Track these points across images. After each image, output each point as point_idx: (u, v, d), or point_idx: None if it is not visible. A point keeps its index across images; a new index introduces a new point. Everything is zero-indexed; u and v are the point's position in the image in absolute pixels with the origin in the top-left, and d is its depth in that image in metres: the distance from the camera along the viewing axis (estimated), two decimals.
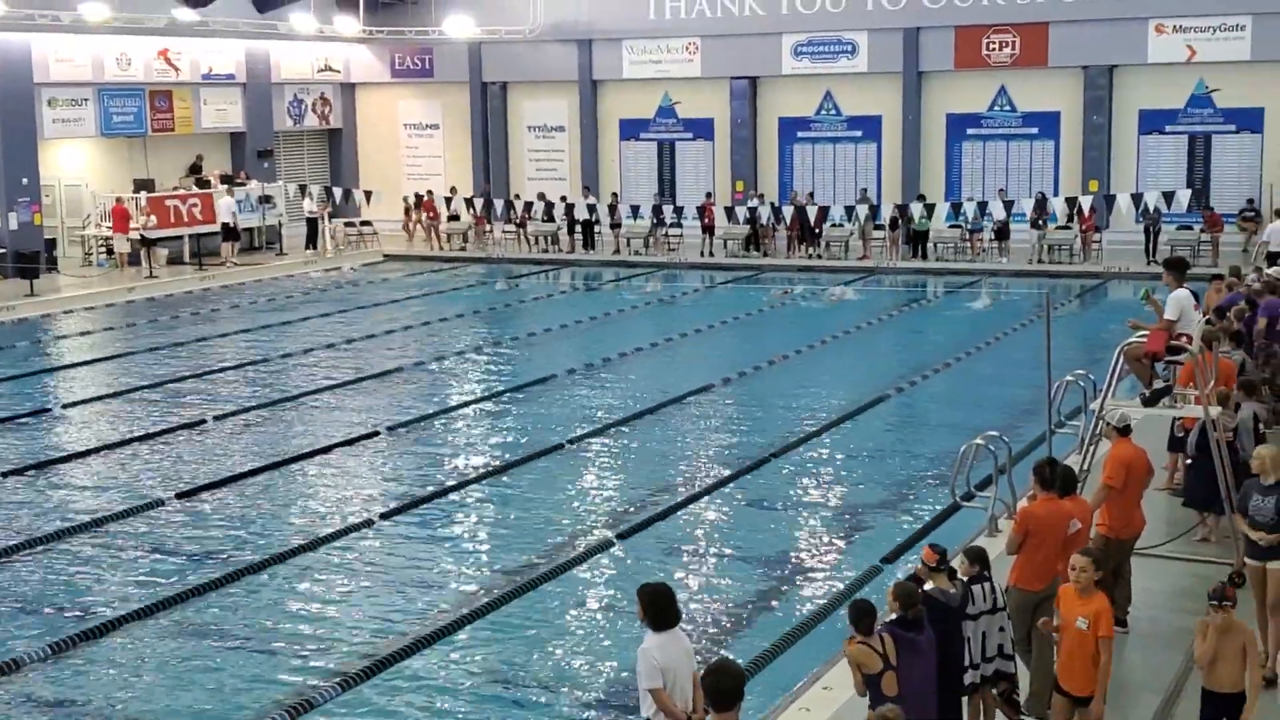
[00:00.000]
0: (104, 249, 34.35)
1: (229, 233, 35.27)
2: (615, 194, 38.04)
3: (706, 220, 35.68)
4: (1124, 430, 11.56)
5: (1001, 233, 33.44)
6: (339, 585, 13.39)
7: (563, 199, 37.64)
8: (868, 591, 12.17)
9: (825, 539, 14.61)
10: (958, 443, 14.31)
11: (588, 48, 39.41)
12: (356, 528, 14.89)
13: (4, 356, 25.03)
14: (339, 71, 42.23)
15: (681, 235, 36.23)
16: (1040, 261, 33.14)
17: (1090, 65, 34.84)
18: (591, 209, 36.74)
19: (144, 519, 15.28)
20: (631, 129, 39.98)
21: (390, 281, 34.25)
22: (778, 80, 38.12)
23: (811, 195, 36.38)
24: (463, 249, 38.00)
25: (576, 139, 40.32)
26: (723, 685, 7.18)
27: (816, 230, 34.75)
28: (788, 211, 34.94)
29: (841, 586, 12.91)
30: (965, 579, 9.03)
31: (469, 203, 37.51)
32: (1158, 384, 13.35)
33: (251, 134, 39.20)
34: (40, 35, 32.66)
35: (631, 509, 15.47)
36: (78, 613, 12.65)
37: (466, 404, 21.13)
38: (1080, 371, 16.23)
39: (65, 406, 20.95)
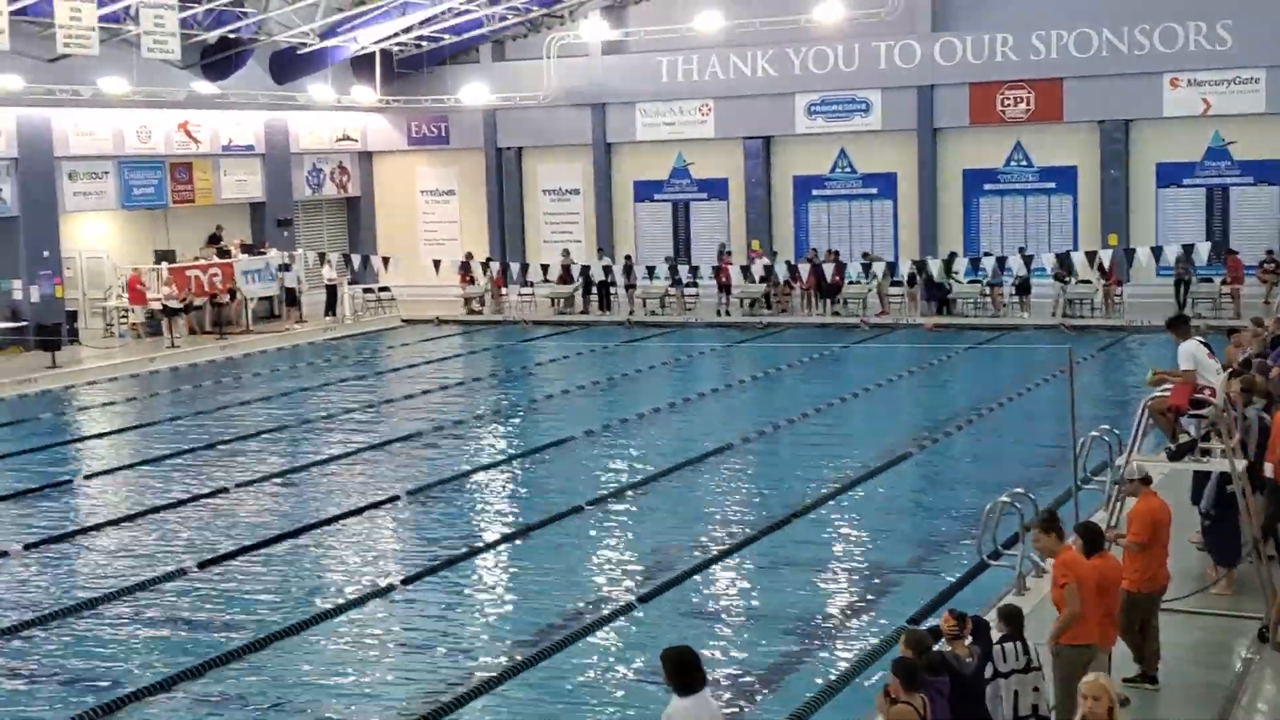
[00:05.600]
0: (124, 320, 34.52)
1: (291, 298, 37.16)
2: (629, 255, 38.15)
3: (723, 279, 35.74)
4: (1145, 480, 11.54)
5: (1023, 287, 33.43)
6: (361, 652, 13.31)
7: (566, 253, 37.88)
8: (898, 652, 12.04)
9: (850, 599, 14.48)
10: (983, 500, 14.21)
11: (601, 111, 39.66)
12: (378, 594, 14.82)
13: (27, 428, 25.08)
14: (356, 140, 42.56)
15: (698, 294, 36.26)
16: (1065, 315, 33.04)
17: (1106, 120, 34.93)
18: (607, 270, 36.85)
19: (167, 589, 15.24)
20: (646, 190, 40.16)
21: (409, 346, 34.34)
22: (791, 139, 38.30)
23: (834, 254, 36.27)
24: (479, 312, 38.11)
25: (591, 201, 40.51)
26: None
27: (835, 285, 34.69)
28: (804, 269, 34.91)
29: (868, 648, 12.77)
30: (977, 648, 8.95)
31: (485, 266, 37.62)
32: (1183, 438, 13.29)
33: (271, 203, 39.46)
34: (61, 109, 32.96)
35: (653, 571, 15.37)
36: (100, 684, 12.56)
37: (486, 467, 21.09)
38: (1105, 427, 16.12)
39: (88, 477, 20.97)
